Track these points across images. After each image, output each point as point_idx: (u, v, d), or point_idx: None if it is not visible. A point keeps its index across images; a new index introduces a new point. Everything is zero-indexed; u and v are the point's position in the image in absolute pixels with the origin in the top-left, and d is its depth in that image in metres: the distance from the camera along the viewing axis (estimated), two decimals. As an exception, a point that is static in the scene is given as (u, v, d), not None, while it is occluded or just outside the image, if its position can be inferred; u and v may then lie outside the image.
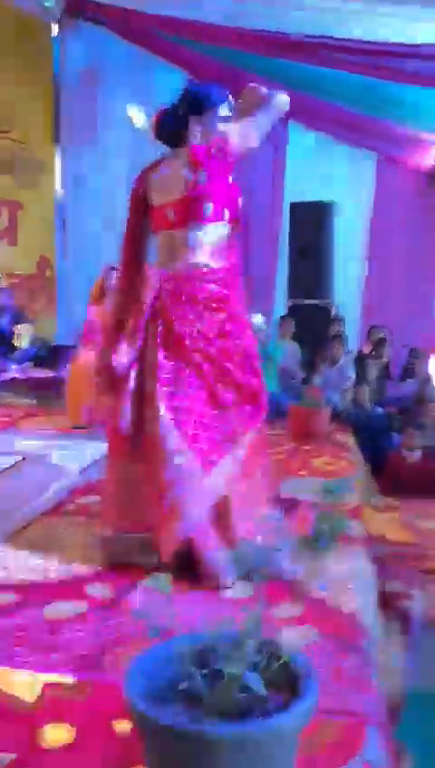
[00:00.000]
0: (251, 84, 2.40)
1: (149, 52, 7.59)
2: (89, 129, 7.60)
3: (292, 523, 1.08)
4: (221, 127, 2.24)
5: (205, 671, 1.05)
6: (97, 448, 3.90)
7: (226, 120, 2.28)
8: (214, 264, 2.21)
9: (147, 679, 1.07)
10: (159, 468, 2.06)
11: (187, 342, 2.15)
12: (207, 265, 2.20)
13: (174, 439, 2.07)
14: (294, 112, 8.13)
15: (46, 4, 6.91)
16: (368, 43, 6.01)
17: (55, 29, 7.28)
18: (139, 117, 7.94)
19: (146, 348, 2.21)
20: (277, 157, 8.25)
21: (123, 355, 2.23)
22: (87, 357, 4.88)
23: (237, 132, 2.22)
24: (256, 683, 1.01)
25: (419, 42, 5.81)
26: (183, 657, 1.06)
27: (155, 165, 2.36)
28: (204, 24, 6.50)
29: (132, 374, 2.22)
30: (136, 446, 2.19)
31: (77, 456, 3.74)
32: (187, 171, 2.18)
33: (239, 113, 2.31)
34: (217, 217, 2.20)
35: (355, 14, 5.76)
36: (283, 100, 2.35)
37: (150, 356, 2.18)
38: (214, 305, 2.20)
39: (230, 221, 2.25)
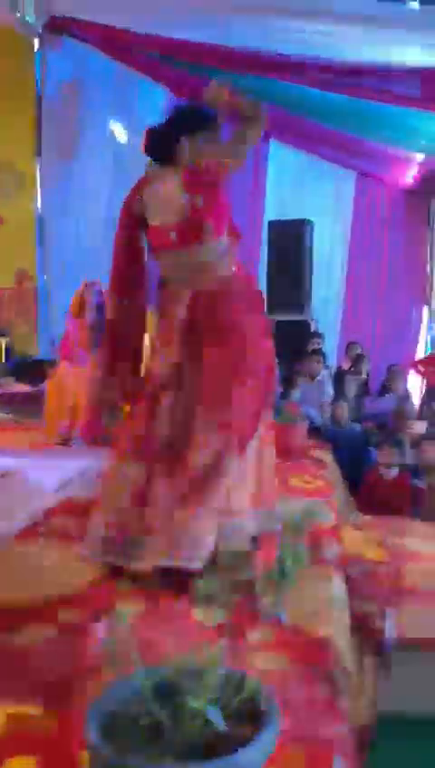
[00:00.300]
0: (216, 83, 2.42)
1: (132, 68, 7.64)
2: (70, 144, 7.63)
3: (257, 557, 1.08)
4: (214, 147, 2.35)
5: (167, 706, 1.04)
6: (75, 466, 3.89)
7: (215, 139, 2.37)
8: (228, 273, 2.39)
9: (110, 716, 1.06)
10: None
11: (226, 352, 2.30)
12: (213, 279, 2.35)
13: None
14: (276, 130, 8.28)
15: (28, 19, 6.93)
16: (350, 63, 6.10)
17: (37, 44, 7.30)
18: (121, 132, 8.00)
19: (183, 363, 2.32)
20: (257, 174, 8.33)
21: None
22: (66, 371, 4.87)
23: (230, 152, 2.36)
24: (217, 718, 1.01)
25: (398, 63, 5.92)
26: (145, 692, 1.05)
27: (145, 181, 2.45)
28: (187, 41, 6.55)
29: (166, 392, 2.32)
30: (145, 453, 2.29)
31: (54, 474, 3.70)
32: (184, 195, 2.29)
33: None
34: (218, 234, 2.34)
35: (338, 37, 5.85)
36: (264, 110, 2.43)
37: (190, 370, 2.31)
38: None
39: (230, 234, 2.39)
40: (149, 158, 2.49)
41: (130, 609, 1.96)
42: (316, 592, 2.18)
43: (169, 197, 2.33)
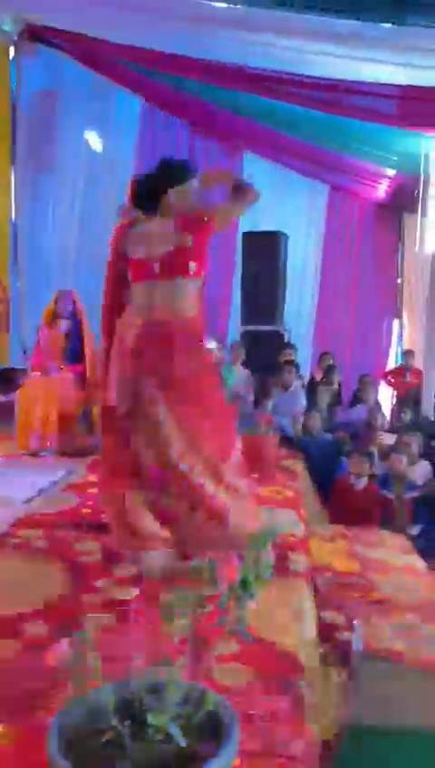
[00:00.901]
0: (217, 168, 2.71)
1: (108, 78, 7.66)
2: (46, 152, 7.62)
3: (221, 572, 1.10)
4: (206, 206, 2.66)
5: (128, 722, 1.05)
6: (45, 477, 3.87)
7: (196, 190, 2.66)
8: (189, 314, 2.60)
9: (72, 731, 1.06)
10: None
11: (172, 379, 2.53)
12: (183, 314, 2.58)
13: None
14: (251, 143, 8.34)
15: (4, 27, 6.92)
16: (325, 79, 6.20)
17: (12, 52, 7.28)
18: (97, 142, 8.00)
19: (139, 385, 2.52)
20: (232, 186, 8.37)
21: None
22: (37, 382, 4.85)
23: (221, 216, 2.66)
24: (178, 733, 1.01)
25: (373, 80, 6.03)
26: (108, 707, 1.06)
27: (131, 223, 2.69)
28: (162, 53, 6.59)
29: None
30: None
31: (22, 485, 3.68)
32: (176, 234, 2.55)
33: (204, 186, 2.72)
34: (196, 274, 2.60)
35: (314, 54, 5.93)
36: (256, 193, 2.74)
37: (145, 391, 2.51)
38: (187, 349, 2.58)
39: (202, 277, 2.65)
40: (123, 204, 2.76)
41: (96, 622, 1.95)
42: (284, 604, 2.21)
43: (161, 234, 2.57)
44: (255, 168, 8.29)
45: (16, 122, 7.43)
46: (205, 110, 7.89)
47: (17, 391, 5.09)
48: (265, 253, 7.00)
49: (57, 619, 2.01)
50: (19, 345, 7.46)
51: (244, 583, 1.09)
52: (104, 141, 7.85)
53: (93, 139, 7.89)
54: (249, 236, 7.32)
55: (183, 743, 1.01)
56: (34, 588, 2.27)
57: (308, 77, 6.19)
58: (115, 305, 2.72)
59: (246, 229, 7.64)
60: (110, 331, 2.71)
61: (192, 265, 2.56)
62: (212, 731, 1.10)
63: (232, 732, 1.03)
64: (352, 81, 6.15)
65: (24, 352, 7.17)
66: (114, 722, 1.04)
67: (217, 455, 2.55)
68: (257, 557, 1.09)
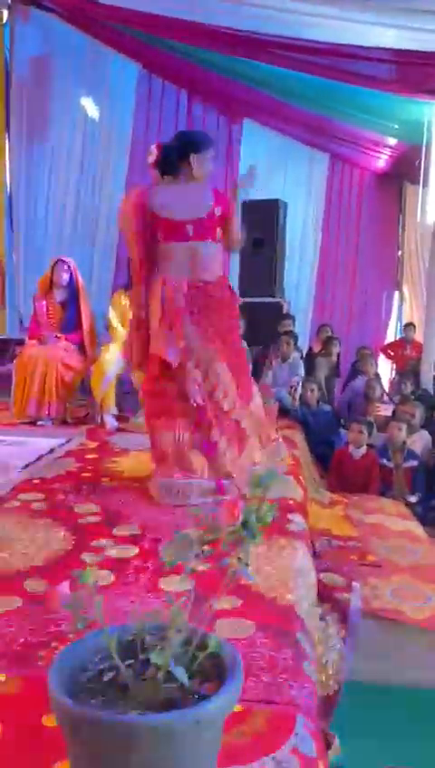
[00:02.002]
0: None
1: (103, 43, 7.50)
2: (40, 120, 7.49)
3: (221, 513, 1.09)
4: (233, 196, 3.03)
5: (131, 662, 1.04)
6: (42, 444, 3.86)
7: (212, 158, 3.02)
8: (220, 273, 3.03)
9: (73, 672, 1.05)
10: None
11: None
12: (217, 274, 2.99)
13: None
14: (250, 110, 8.20)
15: (-4, -11, 6.77)
16: (324, 43, 6.06)
17: (6, 15, 7.12)
18: (93, 109, 7.85)
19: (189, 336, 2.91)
20: (230, 154, 8.27)
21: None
22: (34, 351, 4.81)
23: (234, 218, 3.02)
24: (181, 673, 1.01)
25: (372, 45, 5.90)
26: (109, 649, 1.05)
27: (153, 185, 3.00)
28: (159, 16, 6.43)
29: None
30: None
31: (21, 452, 3.67)
32: (209, 200, 2.92)
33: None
34: (220, 239, 3.00)
35: (313, 17, 5.80)
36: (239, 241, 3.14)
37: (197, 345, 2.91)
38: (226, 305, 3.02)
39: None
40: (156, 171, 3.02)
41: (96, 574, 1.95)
42: (283, 562, 2.21)
43: (194, 200, 2.92)
44: (254, 136, 8.20)
45: (10, 89, 7.30)
46: (203, 76, 7.73)
47: (14, 361, 5.06)
48: (263, 222, 6.90)
49: (57, 575, 2.00)
50: (15, 315, 7.41)
51: (246, 524, 1.07)
52: (100, 108, 7.71)
53: (89, 106, 7.76)
54: (247, 205, 7.21)
55: (186, 682, 1.00)
56: (34, 548, 2.27)
57: (307, 41, 6.04)
58: (146, 262, 2.99)
59: (245, 198, 7.56)
60: (144, 284, 3.01)
61: (218, 231, 2.96)
62: (215, 673, 1.09)
63: (236, 672, 1.02)
64: (353, 46, 6.00)
65: (21, 323, 7.13)
66: (117, 661, 1.03)
67: (247, 396, 3.08)
68: (260, 498, 1.07)
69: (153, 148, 3.02)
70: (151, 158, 3.00)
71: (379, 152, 8.10)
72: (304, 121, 7.85)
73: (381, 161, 8.26)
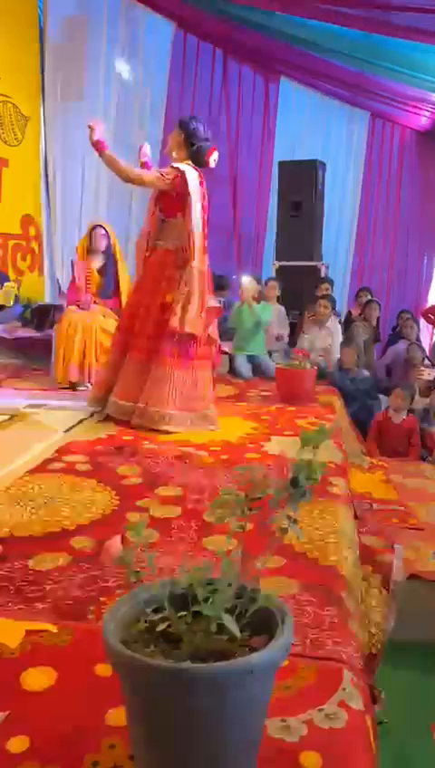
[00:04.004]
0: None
1: (137, 3, 7.36)
2: (75, 82, 7.40)
3: (269, 472, 1.09)
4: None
5: (183, 614, 1.06)
6: (82, 408, 3.91)
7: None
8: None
9: (126, 622, 1.08)
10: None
11: None
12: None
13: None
14: (287, 68, 7.98)
15: None
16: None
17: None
18: (126, 70, 7.74)
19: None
20: (267, 113, 8.09)
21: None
22: (73, 316, 4.84)
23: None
24: (233, 624, 1.02)
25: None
26: (162, 600, 1.07)
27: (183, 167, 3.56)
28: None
29: None
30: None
31: (62, 416, 3.73)
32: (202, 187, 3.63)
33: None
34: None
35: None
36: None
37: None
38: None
39: None
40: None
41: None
42: (325, 524, 2.22)
43: (201, 186, 3.60)
44: (291, 95, 8.00)
45: (44, 51, 7.22)
46: (238, 34, 7.53)
47: (54, 327, 5.11)
48: (302, 183, 6.76)
49: (103, 534, 2.04)
50: (54, 282, 7.45)
51: (295, 481, 1.07)
52: (135, 69, 7.60)
53: (124, 68, 7.64)
54: (285, 166, 7.08)
55: (238, 633, 1.02)
56: (80, 507, 2.32)
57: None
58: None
59: (282, 158, 7.39)
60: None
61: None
62: (264, 628, 1.10)
63: (286, 624, 1.03)
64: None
65: (60, 289, 7.17)
66: (169, 613, 1.05)
67: None
68: (309, 455, 1.07)
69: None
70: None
71: (421, 109, 7.81)
72: (342, 79, 7.60)
73: (424, 119, 7.97)
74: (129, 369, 3.63)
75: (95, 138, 3.41)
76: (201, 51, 7.94)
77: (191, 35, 7.83)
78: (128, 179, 3.51)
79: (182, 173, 3.53)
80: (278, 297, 6.34)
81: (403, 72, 6.87)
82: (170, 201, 3.60)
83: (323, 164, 7.03)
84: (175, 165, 3.58)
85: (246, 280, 5.61)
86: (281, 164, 7.14)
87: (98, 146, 3.42)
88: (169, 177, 3.52)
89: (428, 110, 7.76)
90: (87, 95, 7.48)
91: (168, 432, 3.44)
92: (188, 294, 3.51)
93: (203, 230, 3.61)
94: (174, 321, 3.49)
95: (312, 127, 7.86)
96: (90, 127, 3.44)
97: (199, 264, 3.57)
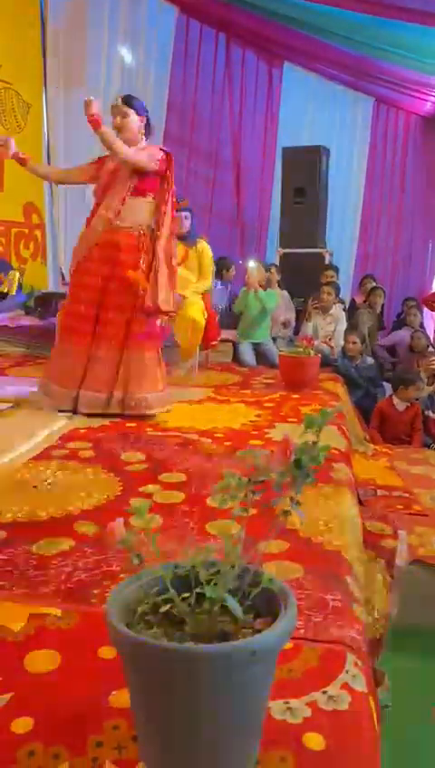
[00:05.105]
0: None
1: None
2: (77, 68, 7.34)
3: (273, 455, 1.08)
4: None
5: (186, 596, 1.06)
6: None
7: None
8: None
9: (129, 604, 1.08)
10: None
11: None
12: None
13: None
14: (290, 52, 7.90)
15: None
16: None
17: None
18: (129, 56, 7.67)
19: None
20: (270, 98, 8.02)
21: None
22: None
23: None
24: (236, 605, 1.02)
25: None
26: (165, 582, 1.07)
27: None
28: None
29: None
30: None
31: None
32: None
33: None
34: None
35: None
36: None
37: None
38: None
39: None
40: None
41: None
42: (329, 509, 2.22)
43: None
44: (294, 80, 7.92)
45: (46, 36, 7.16)
46: (240, 18, 7.46)
47: (57, 315, 5.09)
48: (305, 169, 6.71)
49: (106, 519, 2.04)
50: (57, 270, 7.43)
51: (298, 463, 1.06)
52: (137, 54, 7.53)
53: (126, 53, 7.57)
54: (289, 151, 7.02)
55: (241, 615, 1.02)
56: (84, 492, 2.32)
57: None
58: None
59: (286, 144, 7.32)
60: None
61: None
62: (267, 610, 1.10)
63: (289, 606, 1.03)
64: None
65: (63, 278, 7.15)
66: (172, 595, 1.05)
67: None
68: (312, 437, 1.06)
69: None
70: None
71: (426, 95, 7.74)
72: (345, 63, 7.53)
73: (429, 104, 7.90)
74: (99, 357, 3.49)
75: (92, 111, 3.32)
76: (204, 35, 7.87)
77: (194, 20, 7.76)
78: (125, 157, 3.43)
79: (168, 153, 3.53)
80: (279, 282, 6.31)
81: (408, 57, 6.80)
82: (145, 181, 3.50)
83: (328, 150, 6.97)
84: (155, 145, 3.59)
85: (253, 265, 5.58)
86: (285, 150, 7.08)
87: (94, 122, 3.34)
88: (158, 157, 3.49)
89: (433, 96, 7.69)
90: (89, 81, 7.41)
91: (153, 416, 3.48)
92: (156, 271, 3.47)
93: (172, 212, 3.62)
94: (147, 300, 3.45)
95: (316, 112, 7.80)
96: (86, 102, 3.35)
97: (165, 242, 3.53)
